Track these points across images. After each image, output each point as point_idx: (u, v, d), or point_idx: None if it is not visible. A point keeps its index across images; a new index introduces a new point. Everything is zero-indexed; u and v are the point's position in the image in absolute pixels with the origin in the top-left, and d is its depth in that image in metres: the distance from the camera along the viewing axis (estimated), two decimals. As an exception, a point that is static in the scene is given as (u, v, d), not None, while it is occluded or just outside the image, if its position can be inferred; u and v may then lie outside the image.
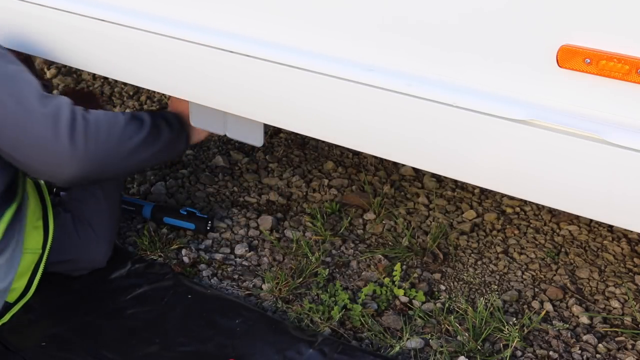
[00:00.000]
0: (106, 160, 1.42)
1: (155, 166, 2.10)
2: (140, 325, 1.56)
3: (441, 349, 1.53)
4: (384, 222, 1.97)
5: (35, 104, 1.36)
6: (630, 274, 1.80)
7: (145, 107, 2.57)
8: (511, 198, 2.06)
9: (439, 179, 2.16)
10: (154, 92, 2.62)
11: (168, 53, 1.39)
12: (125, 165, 1.51)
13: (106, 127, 1.42)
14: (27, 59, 1.66)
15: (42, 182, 1.67)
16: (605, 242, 1.91)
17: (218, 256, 1.82)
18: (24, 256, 1.53)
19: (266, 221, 1.94)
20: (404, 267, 1.79)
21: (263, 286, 1.72)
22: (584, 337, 1.59)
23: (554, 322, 1.64)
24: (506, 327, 1.58)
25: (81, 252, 1.69)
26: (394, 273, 1.72)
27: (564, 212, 1.85)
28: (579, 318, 1.65)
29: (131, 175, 2.09)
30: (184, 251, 1.82)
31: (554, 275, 1.79)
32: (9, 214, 1.47)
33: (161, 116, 1.59)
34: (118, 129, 1.44)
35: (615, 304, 1.69)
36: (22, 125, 1.36)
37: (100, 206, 1.70)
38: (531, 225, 1.97)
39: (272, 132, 2.38)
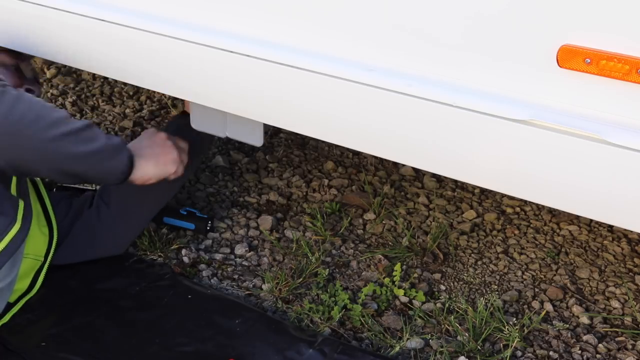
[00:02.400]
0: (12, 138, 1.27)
1: (91, 182, 1.75)
2: (140, 325, 1.56)
3: (441, 349, 1.53)
4: (384, 222, 1.96)
5: None
6: (630, 274, 1.80)
7: (145, 107, 2.57)
8: (511, 198, 2.06)
9: (439, 179, 2.16)
10: (154, 92, 2.62)
11: (168, 53, 1.39)
12: (38, 155, 1.31)
13: (13, 101, 1.27)
14: (17, 67, 1.65)
15: (42, 187, 1.67)
16: (605, 242, 1.91)
17: (218, 256, 1.82)
18: (24, 260, 1.53)
19: (266, 221, 1.94)
20: (404, 267, 1.79)
21: (263, 286, 1.72)
22: (584, 337, 1.59)
23: (554, 322, 1.64)
24: (506, 327, 1.58)
25: (99, 245, 1.73)
26: (394, 273, 1.72)
27: (564, 212, 1.85)
28: (579, 318, 1.65)
29: (53, 176, 1.51)
30: (184, 251, 1.82)
31: (554, 275, 1.79)
32: (20, 209, 1.46)
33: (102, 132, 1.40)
34: (34, 107, 1.29)
35: (615, 304, 1.69)
36: None
37: (145, 205, 1.76)
38: (531, 225, 1.97)
39: (272, 132, 2.38)
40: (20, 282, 1.55)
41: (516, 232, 1.94)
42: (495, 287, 1.74)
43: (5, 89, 1.30)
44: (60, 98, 2.60)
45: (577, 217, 1.97)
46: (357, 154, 2.29)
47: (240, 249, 1.84)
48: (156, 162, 1.49)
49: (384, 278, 1.73)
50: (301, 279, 1.72)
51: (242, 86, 1.34)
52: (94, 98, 2.62)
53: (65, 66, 2.74)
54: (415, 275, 1.77)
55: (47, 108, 1.32)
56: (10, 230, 1.41)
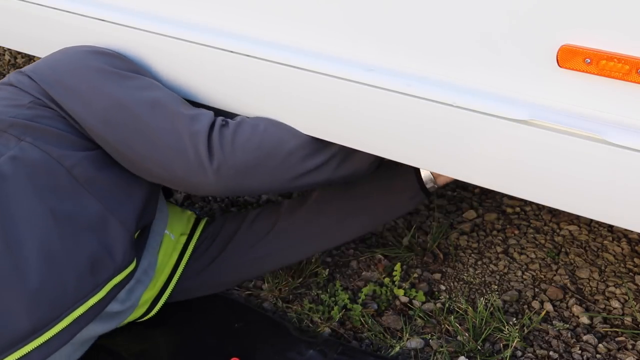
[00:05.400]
0: (248, 169, 1.26)
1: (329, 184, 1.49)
2: (140, 324, 1.57)
3: (441, 349, 1.53)
4: (384, 222, 1.96)
5: (177, 108, 1.28)
6: (630, 274, 1.80)
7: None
8: (511, 198, 2.06)
9: (439, 179, 2.15)
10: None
11: (166, 52, 1.39)
12: (277, 177, 1.30)
13: (249, 130, 1.27)
14: None
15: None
16: (605, 242, 1.91)
17: (218, 256, 1.82)
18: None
19: (266, 221, 1.94)
20: (404, 267, 1.79)
21: (263, 286, 1.72)
22: (584, 337, 1.59)
23: (554, 322, 1.64)
24: (506, 327, 1.58)
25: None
26: (394, 273, 1.72)
27: (564, 212, 1.85)
28: (579, 318, 1.65)
29: (291, 191, 1.59)
30: (184, 251, 1.81)
31: (554, 275, 1.79)
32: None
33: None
34: (264, 133, 1.28)
35: (615, 304, 1.69)
36: (160, 126, 1.27)
37: None
38: (531, 225, 1.97)
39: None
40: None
41: (516, 232, 1.94)
42: (495, 287, 1.74)
43: (227, 123, 1.29)
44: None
45: (577, 217, 1.97)
46: (357, 154, 2.29)
47: (240, 249, 1.84)
48: None
49: (384, 278, 1.73)
50: (301, 279, 1.72)
51: (241, 86, 1.34)
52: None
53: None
54: (415, 275, 1.77)
55: (263, 129, 1.30)
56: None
